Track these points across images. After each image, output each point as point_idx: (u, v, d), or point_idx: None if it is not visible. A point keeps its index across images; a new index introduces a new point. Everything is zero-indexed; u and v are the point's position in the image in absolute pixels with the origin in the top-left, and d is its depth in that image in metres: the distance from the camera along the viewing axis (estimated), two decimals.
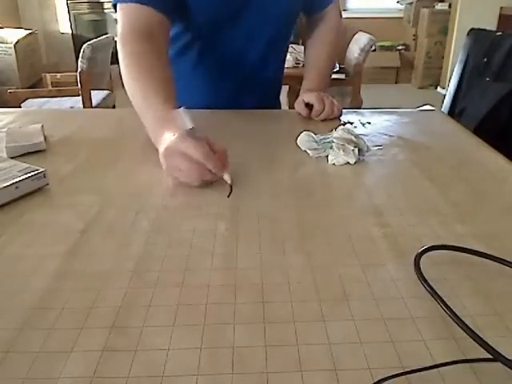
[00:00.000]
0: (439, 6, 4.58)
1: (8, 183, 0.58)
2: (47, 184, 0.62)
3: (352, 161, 0.70)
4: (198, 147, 0.59)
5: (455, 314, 0.37)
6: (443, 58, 4.55)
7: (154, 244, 0.50)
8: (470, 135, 0.86)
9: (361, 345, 0.36)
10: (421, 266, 0.43)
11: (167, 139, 0.61)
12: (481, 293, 0.41)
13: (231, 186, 0.61)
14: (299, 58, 2.32)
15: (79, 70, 2.25)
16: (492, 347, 0.33)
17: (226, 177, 0.62)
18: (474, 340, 0.35)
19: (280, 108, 1.17)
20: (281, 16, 0.94)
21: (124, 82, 0.74)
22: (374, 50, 4.14)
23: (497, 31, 1.50)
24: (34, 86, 3.26)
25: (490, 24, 3.66)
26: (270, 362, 0.34)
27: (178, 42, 0.94)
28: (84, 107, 2.20)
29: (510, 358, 0.33)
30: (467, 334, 0.35)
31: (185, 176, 0.61)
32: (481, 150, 0.77)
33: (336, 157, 0.70)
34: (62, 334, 0.37)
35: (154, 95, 0.70)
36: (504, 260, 0.45)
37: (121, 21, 0.78)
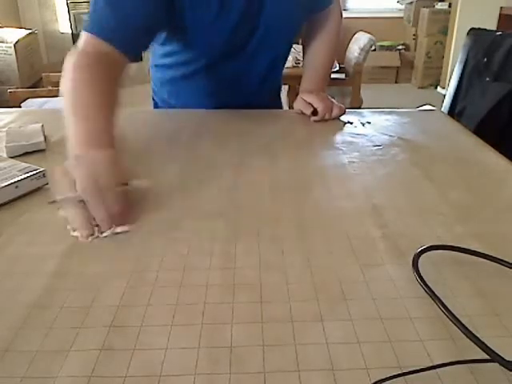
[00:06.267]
0: (439, 6, 4.57)
1: (8, 182, 0.58)
2: (47, 183, 0.62)
3: None
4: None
5: (453, 315, 0.37)
6: (443, 57, 4.54)
7: (153, 243, 0.50)
8: (470, 135, 0.86)
9: (358, 345, 0.36)
10: (419, 266, 0.43)
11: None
12: (479, 293, 0.41)
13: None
14: (299, 58, 2.31)
15: None
16: (490, 348, 0.33)
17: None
18: (471, 340, 0.35)
19: (281, 107, 1.18)
20: (289, 31, 0.95)
21: (64, 90, 0.66)
22: (374, 50, 4.14)
23: (497, 31, 1.50)
24: (34, 85, 3.26)
25: (490, 24, 3.65)
26: (267, 361, 0.34)
27: (184, 68, 0.95)
28: None
29: (507, 358, 0.33)
30: (465, 334, 0.35)
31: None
32: (481, 150, 0.77)
33: None
34: (61, 333, 0.37)
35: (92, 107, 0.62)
36: (503, 260, 0.45)
37: (82, 42, 0.73)
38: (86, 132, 0.58)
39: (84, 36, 0.74)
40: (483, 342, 0.34)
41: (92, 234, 0.51)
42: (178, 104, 1.02)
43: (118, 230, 0.52)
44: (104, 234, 0.51)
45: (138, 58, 0.79)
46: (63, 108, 0.63)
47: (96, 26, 0.73)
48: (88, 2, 4.30)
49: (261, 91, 1.00)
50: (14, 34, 3.31)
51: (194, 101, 0.99)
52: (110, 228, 0.51)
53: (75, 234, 0.51)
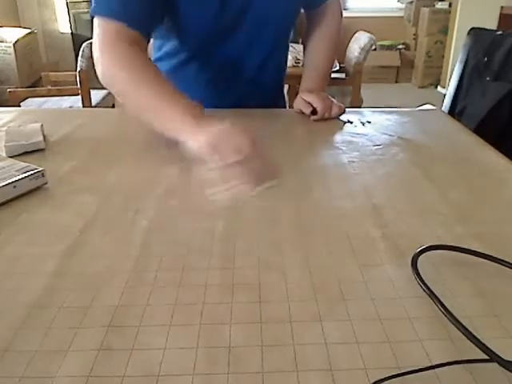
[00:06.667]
0: (439, 5, 4.57)
1: (5, 182, 0.58)
2: (46, 183, 0.62)
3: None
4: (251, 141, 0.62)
5: (452, 315, 0.37)
6: (443, 57, 4.54)
7: (152, 243, 0.50)
8: (470, 134, 0.85)
9: (357, 345, 0.36)
10: (419, 267, 0.43)
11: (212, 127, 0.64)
12: (479, 293, 0.41)
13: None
14: (299, 58, 2.31)
15: (78, 69, 2.25)
16: (488, 348, 0.33)
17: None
18: (470, 341, 0.35)
19: (285, 104, 1.17)
20: (280, 20, 0.94)
21: (119, 82, 0.74)
22: (375, 49, 4.13)
23: (497, 30, 1.50)
24: (34, 85, 3.26)
25: (491, 23, 3.65)
26: (266, 361, 0.34)
27: (174, 59, 0.94)
28: (83, 106, 2.19)
29: (506, 358, 0.32)
30: (464, 334, 0.35)
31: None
32: (481, 150, 0.77)
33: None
34: (60, 333, 0.37)
35: (168, 93, 0.73)
36: (502, 260, 0.45)
37: (99, 30, 0.77)
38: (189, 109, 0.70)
39: (97, 21, 0.78)
40: (482, 342, 0.34)
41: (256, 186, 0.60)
42: None
43: (270, 184, 0.61)
44: (259, 189, 0.60)
45: (150, 34, 0.83)
46: (134, 102, 0.75)
47: (105, 8, 0.77)
48: (87, 2, 4.31)
49: (259, 84, 0.99)
50: (14, 34, 3.31)
51: (191, 94, 0.98)
52: (265, 182, 0.61)
53: (230, 191, 0.59)
